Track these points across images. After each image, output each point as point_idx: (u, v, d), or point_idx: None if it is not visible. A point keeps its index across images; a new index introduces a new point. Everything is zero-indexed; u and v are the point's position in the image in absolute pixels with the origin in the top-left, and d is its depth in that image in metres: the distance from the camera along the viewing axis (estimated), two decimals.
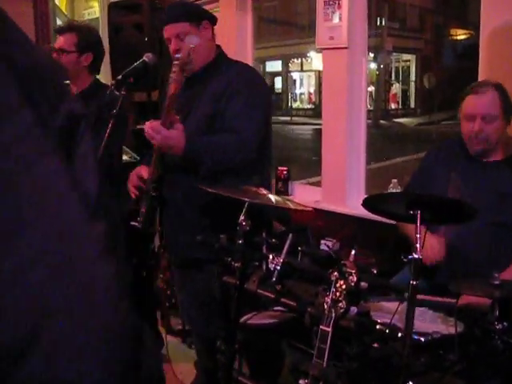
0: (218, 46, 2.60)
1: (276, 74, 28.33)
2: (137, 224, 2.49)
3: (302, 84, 27.31)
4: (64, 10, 11.20)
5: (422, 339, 1.86)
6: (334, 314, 1.52)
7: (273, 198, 2.22)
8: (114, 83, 2.57)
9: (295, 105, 27.11)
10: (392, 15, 21.30)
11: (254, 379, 2.07)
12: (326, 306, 1.55)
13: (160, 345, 3.60)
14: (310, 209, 2.22)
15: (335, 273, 1.56)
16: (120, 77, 2.50)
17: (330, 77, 3.65)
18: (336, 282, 1.55)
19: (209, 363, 2.86)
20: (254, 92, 2.45)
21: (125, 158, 3.76)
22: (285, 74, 27.65)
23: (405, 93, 24.35)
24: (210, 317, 2.65)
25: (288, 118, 24.41)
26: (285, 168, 4.24)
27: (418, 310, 2.15)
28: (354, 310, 1.55)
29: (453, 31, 20.29)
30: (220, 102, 2.40)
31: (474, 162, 2.49)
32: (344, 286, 1.53)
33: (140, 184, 2.49)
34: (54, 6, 7.25)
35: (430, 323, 2.05)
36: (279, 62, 27.36)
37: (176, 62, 2.20)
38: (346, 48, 3.46)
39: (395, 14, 21.90)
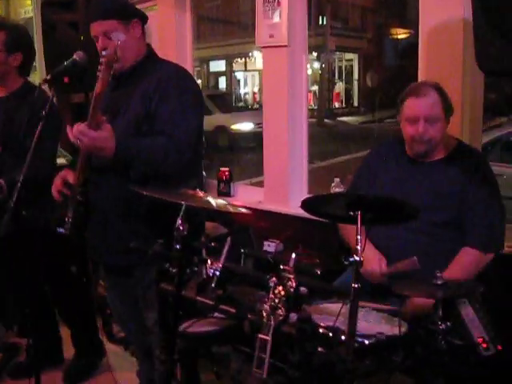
0: (148, 45, 2.50)
1: (220, 73, 28.25)
2: (63, 231, 2.37)
3: (246, 84, 27.29)
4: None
5: (366, 342, 1.82)
6: (272, 322, 1.46)
7: (212, 200, 2.15)
8: (42, 83, 2.44)
9: (239, 104, 27.07)
10: (334, 15, 21.53)
11: None
12: (264, 314, 1.48)
13: (101, 354, 3.50)
14: (249, 212, 2.14)
15: (273, 278, 1.50)
16: (49, 76, 2.37)
17: (271, 75, 3.61)
18: (274, 288, 1.49)
19: (150, 373, 2.77)
20: (186, 93, 2.37)
21: (61, 161, 3.62)
22: (229, 73, 27.61)
23: (348, 92, 24.65)
24: (146, 325, 2.56)
25: None
26: (226, 169, 4.19)
27: (362, 311, 2.13)
28: (293, 316, 1.49)
29: (393, 30, 20.65)
30: (151, 104, 2.31)
31: (413, 162, 2.48)
32: (283, 293, 1.47)
33: (64, 189, 2.36)
34: None
35: (374, 324, 2.02)
36: (223, 62, 27.29)
37: (102, 60, 2.09)
38: (286, 46, 3.42)
39: (338, 13, 22.14)
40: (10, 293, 3.56)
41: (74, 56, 2.37)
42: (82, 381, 3.36)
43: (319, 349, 1.72)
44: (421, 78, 2.85)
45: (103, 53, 2.11)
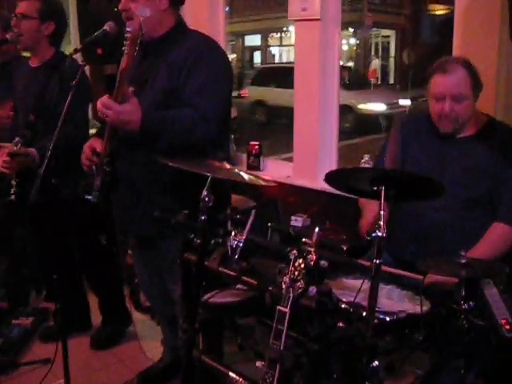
0: (179, 16, 2.48)
1: (255, 48, 28.07)
2: (91, 198, 2.40)
3: (281, 58, 27.07)
4: None
5: (387, 318, 1.82)
6: (291, 294, 1.46)
7: (238, 172, 2.15)
8: (73, 52, 2.46)
9: None
10: None
11: (212, 356, 2.02)
12: (284, 286, 1.49)
13: (128, 322, 3.57)
14: (274, 184, 2.14)
15: (294, 251, 1.50)
16: (79, 46, 2.39)
17: (303, 49, 3.56)
18: (295, 261, 1.49)
19: (174, 342, 2.82)
20: (216, 64, 2.36)
21: (93, 131, 3.66)
22: (264, 48, 27.40)
23: (384, 68, 24.26)
24: (170, 295, 2.60)
25: None
26: (256, 143, 4.17)
27: (385, 289, 2.12)
28: (313, 289, 1.49)
29: (431, 6, 20.16)
30: (180, 75, 2.30)
31: (442, 138, 2.43)
32: (303, 265, 1.47)
33: (93, 157, 2.39)
34: None
35: (396, 302, 2.01)
36: (258, 37, 27.09)
37: (127, 35, 2.09)
38: (318, 20, 3.37)
39: None
40: (39, 258, 3.66)
41: (105, 26, 2.37)
42: (108, 347, 3.44)
43: (339, 324, 1.73)
44: (455, 54, 2.79)
45: (128, 29, 2.10)
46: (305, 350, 1.63)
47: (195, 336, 1.96)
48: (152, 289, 2.86)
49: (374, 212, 2.32)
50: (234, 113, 13.07)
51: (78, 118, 2.98)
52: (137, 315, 3.72)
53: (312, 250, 1.48)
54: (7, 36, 3.05)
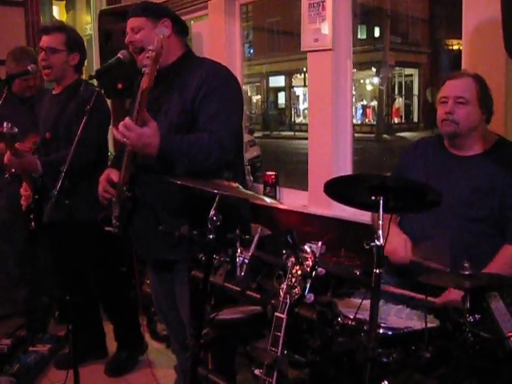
0: (187, 46, 2.56)
1: (279, 88, 28.43)
2: (112, 229, 2.46)
3: (305, 99, 27.35)
4: None
5: (390, 333, 1.81)
6: (288, 301, 1.47)
7: (245, 190, 2.19)
8: (89, 78, 2.55)
9: (298, 120, 27.11)
10: (394, 30, 21.36)
11: (220, 375, 2.01)
12: (281, 293, 1.50)
13: (143, 349, 3.58)
14: (284, 206, 2.17)
15: (292, 258, 1.52)
16: (94, 72, 2.48)
17: (316, 80, 3.63)
18: (292, 268, 1.50)
19: (185, 366, 2.81)
20: (229, 92, 2.41)
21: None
22: (288, 88, 27.73)
23: (408, 107, 24.35)
24: (184, 319, 2.61)
25: (291, 133, 24.44)
26: (273, 173, 4.21)
27: (395, 308, 2.11)
28: (310, 296, 1.49)
29: (448, 41, 20.31)
30: (193, 102, 2.35)
31: (450, 157, 2.44)
32: (299, 272, 1.48)
33: (110, 188, 2.46)
34: (51, 18, 7.30)
35: (405, 320, 2.00)
36: (282, 77, 27.47)
37: (149, 55, 2.15)
38: (330, 50, 3.44)
39: (397, 28, 21.96)
40: (52, 277, 3.72)
41: (119, 54, 2.48)
42: (122, 374, 3.46)
43: (344, 337, 1.72)
44: None
45: (150, 47, 2.17)
46: (306, 362, 1.63)
47: (200, 353, 1.96)
48: (168, 313, 2.86)
49: (398, 236, 2.35)
50: (257, 151, 13.11)
51: (88, 138, 3.05)
52: (152, 344, 3.74)
53: (309, 256, 1.49)
54: (29, 68, 3.17)
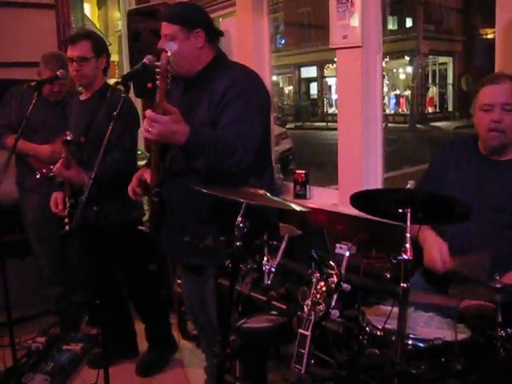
0: (218, 50, 2.54)
1: (311, 79, 28.26)
2: (144, 228, 2.49)
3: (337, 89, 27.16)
4: (96, 22, 11.43)
5: (422, 345, 1.77)
6: (312, 317, 1.45)
7: (272, 197, 2.17)
8: (115, 85, 2.56)
9: (331, 110, 26.92)
10: (428, 18, 20.99)
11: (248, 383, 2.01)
12: (305, 309, 1.48)
13: (174, 349, 3.61)
14: (309, 209, 2.13)
15: (316, 274, 1.50)
16: (120, 79, 2.48)
17: (345, 77, 3.58)
18: (317, 284, 1.48)
19: (214, 368, 2.82)
20: (254, 97, 2.38)
21: (142, 162, 3.77)
22: (320, 79, 27.55)
23: (442, 96, 23.93)
24: (213, 321, 2.62)
25: (323, 124, 24.29)
26: (303, 171, 4.18)
27: (425, 316, 2.07)
28: (335, 313, 1.47)
29: (483, 31, 19.87)
30: (216, 109, 2.34)
31: (486, 160, 2.37)
32: (324, 288, 1.46)
33: (138, 188, 2.47)
34: (82, 17, 7.37)
35: (434, 329, 1.96)
36: (314, 68, 27.28)
37: (157, 70, 2.15)
38: (359, 47, 3.38)
39: (431, 16, 21.57)
40: (83, 280, 3.78)
41: (144, 59, 2.46)
42: (153, 373, 3.49)
43: (372, 349, 1.70)
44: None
45: (157, 63, 2.17)
46: (333, 376, 1.61)
47: (227, 361, 1.96)
48: (198, 316, 2.88)
49: (437, 244, 2.30)
50: (289, 143, 13.02)
51: (125, 143, 3.15)
52: (183, 343, 3.76)
53: (334, 272, 1.47)
54: (58, 73, 3.20)
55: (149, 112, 2.09)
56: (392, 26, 21.80)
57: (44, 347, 3.74)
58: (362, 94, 3.46)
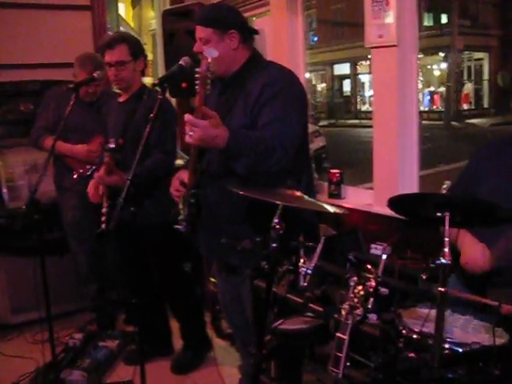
0: (254, 50, 2.55)
1: (344, 76, 28.09)
2: (180, 228, 2.52)
3: (371, 86, 26.92)
4: (130, 21, 11.55)
5: (460, 350, 1.76)
6: (350, 321, 1.46)
7: (308, 199, 2.17)
8: (152, 86, 2.60)
9: (364, 107, 26.74)
10: (463, 13, 20.65)
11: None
12: (343, 313, 1.48)
13: (208, 348, 3.64)
14: (345, 211, 2.13)
15: (354, 278, 1.50)
16: (156, 81, 2.51)
17: (380, 76, 3.55)
18: (354, 288, 1.48)
19: (248, 367, 2.84)
20: (291, 96, 2.38)
21: (179, 162, 3.82)
22: (353, 76, 27.37)
23: (478, 92, 23.54)
24: (249, 321, 2.63)
25: (357, 121, 24.15)
26: (337, 171, 4.16)
27: (462, 319, 2.04)
28: (372, 317, 1.47)
29: None
30: (253, 109, 2.34)
31: None
32: (362, 292, 1.46)
33: (180, 188, 2.51)
34: (117, 18, 7.46)
35: (472, 333, 1.93)
36: (347, 65, 27.11)
37: (196, 76, 2.17)
38: (395, 46, 3.35)
39: (466, 11, 21.21)
40: (120, 279, 3.84)
41: (181, 61, 2.49)
42: (187, 371, 3.53)
43: (408, 353, 1.69)
44: None
45: (197, 69, 2.18)
46: (369, 379, 1.61)
47: (263, 362, 1.97)
48: (234, 315, 2.89)
49: (476, 245, 2.26)
50: (322, 141, 12.96)
51: (166, 145, 3.20)
52: (217, 341, 3.79)
53: (372, 276, 1.47)
54: (94, 75, 3.25)
55: (188, 116, 2.11)
56: (427, 22, 21.52)
57: (81, 343, 3.81)
58: (397, 93, 3.43)
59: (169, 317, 3.76)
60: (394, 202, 1.75)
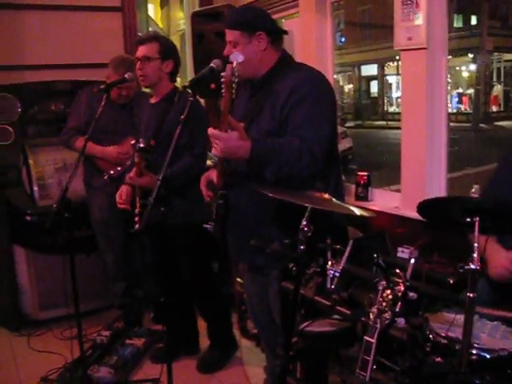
0: (283, 51, 2.56)
1: (371, 77, 27.92)
2: (208, 227, 2.54)
3: (398, 88, 26.69)
4: (159, 22, 11.65)
5: (486, 355, 1.75)
6: (378, 325, 1.46)
7: (337, 202, 2.17)
8: (183, 89, 2.62)
9: (391, 109, 26.55)
10: (493, 14, 20.39)
11: None
12: (371, 316, 1.49)
13: (234, 347, 3.66)
14: (374, 215, 2.14)
15: (383, 282, 1.50)
16: (187, 83, 2.54)
17: (409, 79, 3.54)
18: (383, 292, 1.49)
19: (274, 368, 2.85)
20: (320, 99, 2.37)
21: (208, 162, 3.85)
22: (380, 77, 27.19)
23: (507, 94, 23.21)
24: (276, 323, 2.64)
25: (384, 123, 23.99)
26: (365, 173, 4.15)
27: (489, 325, 2.03)
28: (401, 321, 1.48)
29: None
30: (282, 111, 2.35)
31: None
32: (390, 296, 1.47)
33: (209, 188, 2.53)
34: (146, 18, 7.54)
35: (500, 339, 1.92)
36: (375, 66, 26.94)
37: (222, 80, 2.19)
38: (424, 48, 3.34)
39: (496, 12, 20.93)
40: (150, 278, 3.88)
41: (212, 64, 2.50)
42: (213, 371, 3.55)
43: (435, 357, 1.69)
44: None
45: (222, 74, 2.19)
46: (396, 383, 1.61)
47: (289, 363, 1.99)
48: (260, 316, 2.91)
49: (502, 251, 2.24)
50: (348, 143, 12.91)
51: (195, 149, 3.22)
52: (243, 341, 3.81)
53: (401, 281, 1.47)
54: (126, 76, 3.29)
55: (211, 130, 2.16)
56: (456, 23, 21.29)
57: (108, 341, 3.87)
58: (426, 95, 3.42)
59: (196, 316, 3.78)
60: (423, 207, 1.75)
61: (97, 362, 3.58)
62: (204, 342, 3.76)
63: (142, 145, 3.03)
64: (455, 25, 20.87)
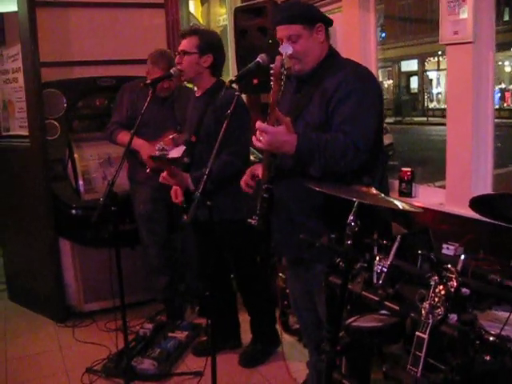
0: (330, 46, 2.55)
1: (412, 73, 27.56)
2: (252, 222, 2.55)
3: (438, 83, 26.30)
4: (199, 18, 11.74)
5: None
6: (430, 321, 1.45)
7: (383, 197, 2.16)
8: (228, 83, 2.63)
9: (431, 105, 26.17)
10: None
11: (354, 380, 2.03)
12: (423, 312, 1.48)
13: (277, 342, 3.67)
14: (420, 210, 2.11)
15: (435, 277, 1.49)
16: (233, 77, 2.55)
17: (455, 74, 3.48)
18: (435, 287, 1.47)
19: (318, 365, 2.85)
20: (365, 94, 2.36)
21: (251, 158, 3.86)
22: (421, 73, 26.81)
23: None
24: (320, 318, 2.64)
25: (424, 119, 23.67)
26: (409, 169, 4.10)
27: None
28: (453, 317, 1.46)
29: None
30: (328, 105, 2.34)
31: None
32: (443, 292, 1.45)
33: (251, 182, 2.54)
34: (187, 14, 7.60)
35: None
36: (415, 61, 26.58)
37: (271, 72, 2.19)
38: (471, 43, 3.28)
39: None
40: (195, 272, 3.91)
41: (258, 58, 2.50)
42: (255, 365, 3.57)
43: (485, 356, 1.66)
44: None
45: (271, 65, 2.20)
46: (446, 381, 1.59)
47: (336, 358, 1.98)
48: (303, 311, 2.91)
49: None
50: (389, 139, 12.82)
51: (232, 147, 3.17)
52: (285, 336, 3.81)
53: (453, 276, 1.46)
54: (171, 71, 3.32)
55: (258, 123, 2.16)
56: (505, 17, 20.81)
57: (151, 333, 3.92)
58: (472, 90, 3.36)
59: (238, 310, 3.81)
60: (476, 202, 1.72)
61: (140, 354, 3.63)
62: (246, 337, 3.78)
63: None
64: (504, 18, 20.40)
